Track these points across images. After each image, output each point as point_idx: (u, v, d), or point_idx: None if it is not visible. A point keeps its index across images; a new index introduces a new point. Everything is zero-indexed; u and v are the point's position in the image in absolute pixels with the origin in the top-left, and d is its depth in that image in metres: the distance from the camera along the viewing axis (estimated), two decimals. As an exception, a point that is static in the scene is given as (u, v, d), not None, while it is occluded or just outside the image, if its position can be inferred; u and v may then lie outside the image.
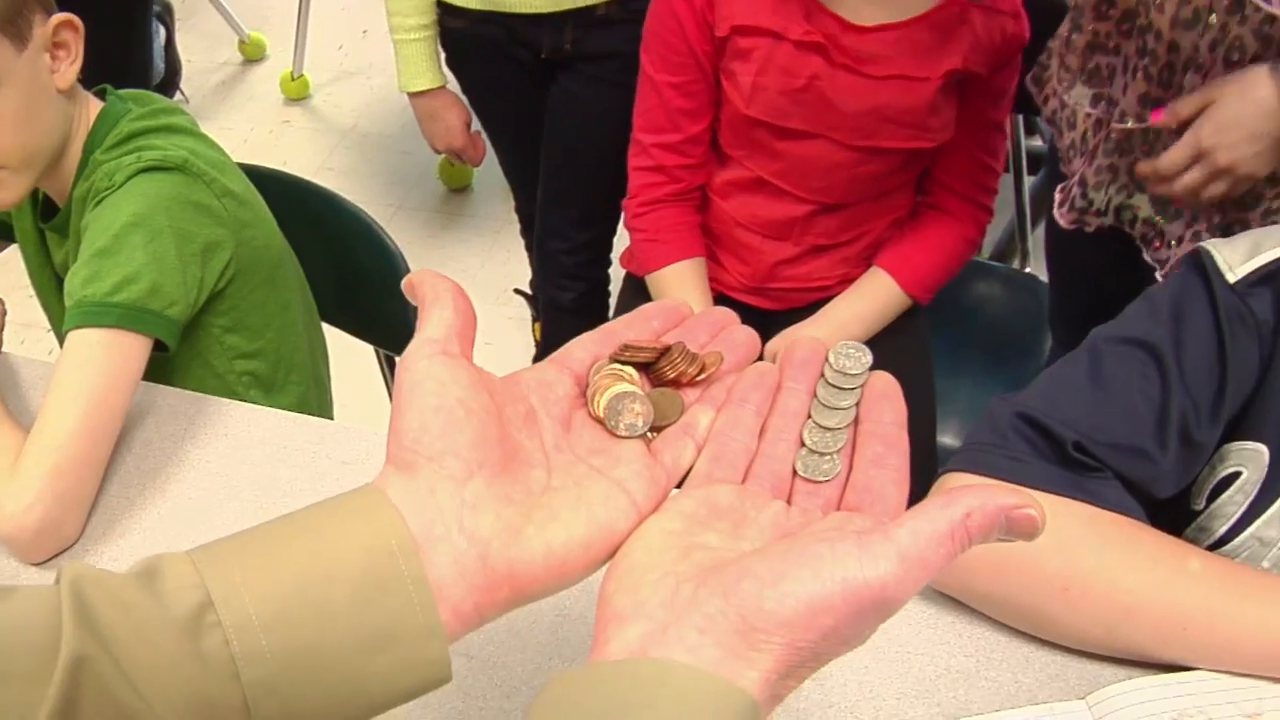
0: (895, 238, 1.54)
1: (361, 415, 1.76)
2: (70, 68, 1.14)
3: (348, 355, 1.62)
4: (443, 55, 1.89)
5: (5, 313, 1.25)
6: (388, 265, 1.45)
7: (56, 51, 1.13)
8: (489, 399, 0.50)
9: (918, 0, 1.35)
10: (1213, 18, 1.16)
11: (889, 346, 1.11)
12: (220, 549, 0.46)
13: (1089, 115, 1.36)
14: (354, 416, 1.68)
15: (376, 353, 1.61)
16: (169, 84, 3.03)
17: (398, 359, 1.57)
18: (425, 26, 1.81)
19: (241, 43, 3.57)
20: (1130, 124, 1.29)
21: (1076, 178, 1.41)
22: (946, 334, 1.74)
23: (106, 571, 0.46)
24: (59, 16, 1.12)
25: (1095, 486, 0.87)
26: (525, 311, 2.55)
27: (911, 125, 1.40)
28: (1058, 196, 1.45)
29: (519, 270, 2.25)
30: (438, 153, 2.02)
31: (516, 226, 2.32)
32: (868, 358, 0.53)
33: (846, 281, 1.54)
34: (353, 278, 1.51)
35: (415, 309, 0.53)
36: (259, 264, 1.27)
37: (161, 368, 1.14)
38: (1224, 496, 0.95)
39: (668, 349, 0.55)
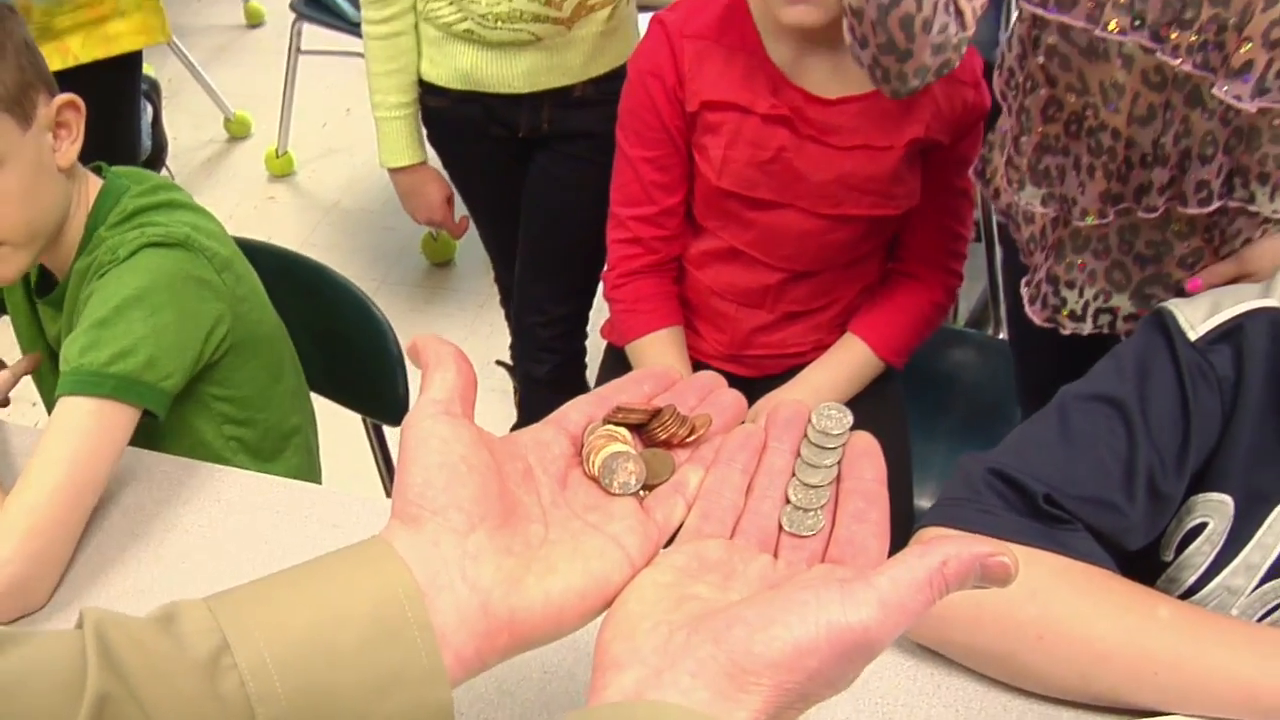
0: (867, 304, 1.57)
1: (349, 483, 1.78)
2: (72, 147, 1.18)
3: (335, 424, 1.64)
4: (424, 132, 1.93)
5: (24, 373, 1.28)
6: (376, 336, 1.48)
7: (59, 131, 1.16)
8: (489, 457, 0.53)
9: None
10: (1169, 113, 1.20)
11: (864, 410, 1.13)
12: (235, 596, 0.49)
13: (1044, 213, 1.38)
14: (342, 484, 1.70)
15: (364, 421, 1.63)
16: (155, 161, 3.07)
17: (387, 428, 1.60)
18: (406, 105, 1.86)
19: (227, 120, 3.62)
20: (1092, 220, 1.32)
21: (1043, 273, 1.42)
22: (923, 399, 1.78)
23: (127, 615, 0.48)
24: (62, 97, 1.16)
25: (1066, 538, 0.90)
26: (508, 383, 2.58)
27: (877, 193, 1.44)
28: (1025, 292, 1.45)
29: (502, 343, 2.28)
30: (420, 225, 2.06)
31: (499, 299, 2.36)
32: (849, 418, 0.56)
33: (821, 348, 1.58)
34: (341, 348, 1.54)
35: (404, 379, 0.56)
36: (253, 336, 1.30)
37: (148, 431, 1.16)
38: (1192, 547, 0.98)
39: (659, 411, 0.58)
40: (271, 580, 0.49)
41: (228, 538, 1.07)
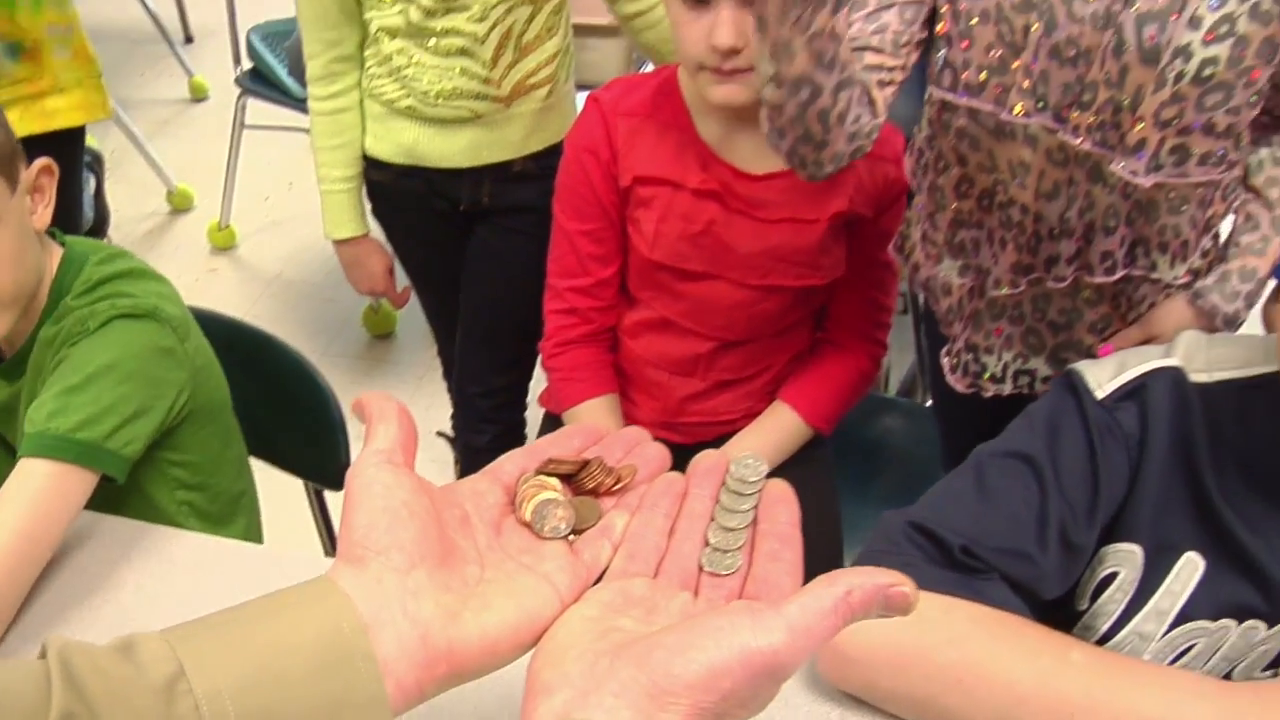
0: (796, 372, 1.62)
1: (289, 547, 1.79)
2: (46, 211, 1.21)
3: (274, 489, 1.65)
4: (367, 205, 1.97)
5: None
6: (319, 402, 1.51)
7: (34, 195, 1.20)
8: (429, 503, 0.57)
9: None
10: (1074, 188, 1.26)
11: (794, 476, 1.17)
12: (190, 628, 0.52)
13: (961, 284, 1.43)
14: (283, 548, 1.72)
15: (306, 486, 1.65)
16: (97, 231, 3.08)
17: (328, 492, 1.62)
18: (351, 179, 1.91)
19: (170, 193, 3.65)
20: (1005, 290, 1.38)
21: (962, 342, 1.48)
22: (854, 465, 1.83)
23: (89, 643, 0.51)
24: (40, 161, 1.20)
25: (982, 586, 0.94)
26: (448, 455, 2.60)
27: (803, 264, 1.50)
28: (946, 362, 1.51)
29: (443, 415, 2.31)
30: (362, 295, 2.09)
31: (439, 371, 2.38)
32: (764, 467, 0.61)
33: (752, 415, 1.62)
34: (285, 414, 1.57)
35: (346, 445, 0.60)
36: (209, 403, 1.33)
37: (102, 494, 1.18)
38: (1105, 595, 1.03)
39: (587, 463, 0.62)
40: (225, 614, 0.53)
41: (178, 598, 1.09)
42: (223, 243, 3.48)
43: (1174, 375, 1.03)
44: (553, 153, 1.76)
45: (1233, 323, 1.32)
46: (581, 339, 1.60)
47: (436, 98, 1.79)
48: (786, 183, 1.46)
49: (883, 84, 1.22)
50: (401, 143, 1.85)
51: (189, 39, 4.60)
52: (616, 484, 0.62)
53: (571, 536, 0.60)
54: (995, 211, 1.34)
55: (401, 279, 2.09)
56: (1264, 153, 1.32)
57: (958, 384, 1.49)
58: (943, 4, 1.23)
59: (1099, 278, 1.32)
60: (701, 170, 1.45)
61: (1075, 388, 1.04)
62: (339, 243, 1.96)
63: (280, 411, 1.56)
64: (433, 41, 1.76)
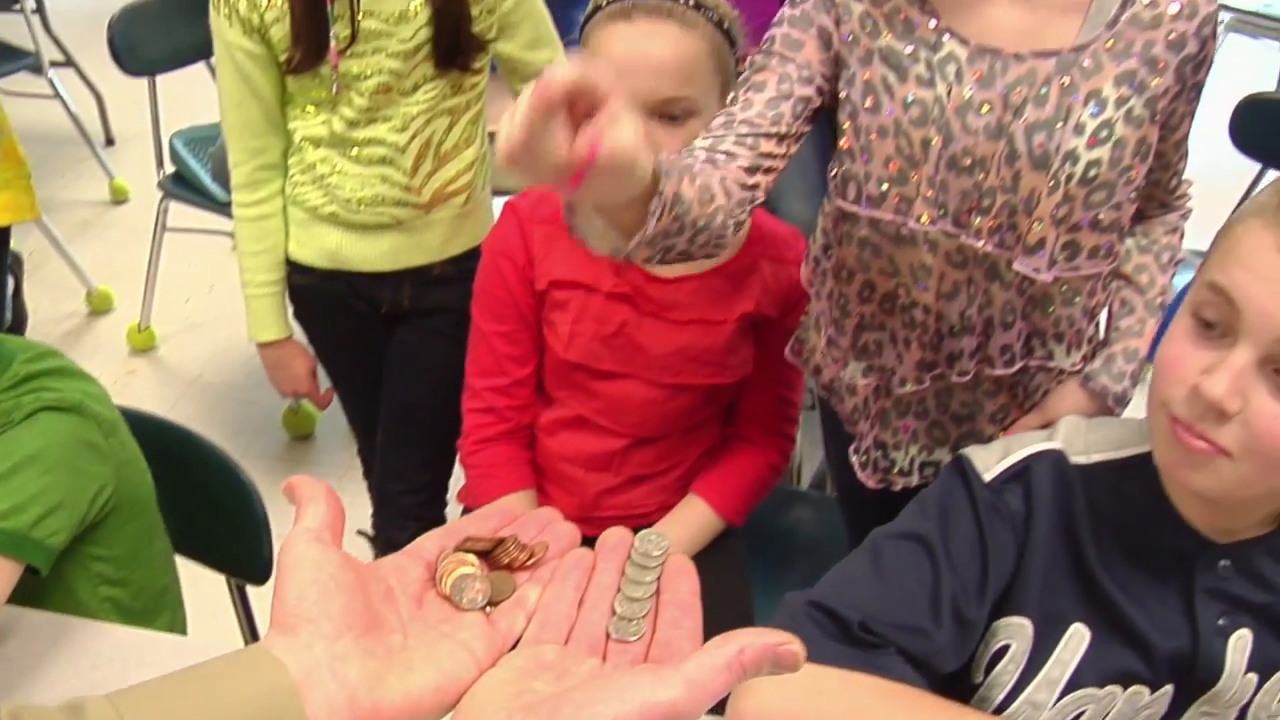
0: (708, 466, 1.68)
1: (212, 641, 1.80)
2: None
3: (197, 584, 1.67)
4: (290, 308, 2.01)
5: None
6: (242, 498, 1.54)
7: None
8: (355, 577, 0.62)
9: None
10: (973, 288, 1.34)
11: (708, 566, 1.22)
12: (134, 691, 0.56)
13: (866, 384, 1.49)
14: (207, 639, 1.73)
15: (228, 581, 1.67)
16: (14, 332, 3.08)
17: (251, 587, 1.64)
18: (274, 282, 1.94)
19: (89, 294, 3.64)
20: (910, 387, 1.44)
21: (870, 440, 1.53)
22: (766, 557, 1.89)
23: (40, 705, 0.55)
24: None
25: (880, 660, 1.00)
26: (369, 554, 2.61)
27: (713, 363, 1.56)
28: (855, 460, 1.55)
29: (363, 514, 2.33)
30: (285, 397, 2.12)
31: (359, 471, 2.40)
32: (666, 542, 0.66)
33: (666, 508, 1.67)
34: (208, 511, 1.59)
35: (269, 541, 0.65)
36: (133, 499, 1.35)
37: (23, 590, 1.20)
38: (999, 667, 1.09)
39: (502, 540, 0.68)
40: (168, 678, 0.57)
41: (95, 689, 1.11)
42: (142, 344, 3.48)
43: (1055, 457, 1.11)
44: (471, 256, 1.82)
45: (1122, 401, 1.40)
46: (499, 436, 1.65)
47: (359, 204, 1.85)
48: (695, 286, 1.54)
49: (769, 170, 1.27)
50: (325, 247, 1.91)
51: (110, 142, 4.63)
52: (530, 559, 0.67)
53: (488, 608, 0.65)
54: (898, 314, 1.40)
55: (324, 380, 2.13)
56: (1129, 242, 1.43)
57: (868, 480, 1.54)
58: (844, 120, 1.31)
59: (999, 370, 1.40)
60: (614, 275, 1.52)
61: (964, 471, 1.11)
62: (263, 345, 2.00)
63: (203, 507, 1.58)
64: (355, 151, 1.83)
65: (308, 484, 0.65)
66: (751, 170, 1.23)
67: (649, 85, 1.37)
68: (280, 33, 1.73)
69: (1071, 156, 1.23)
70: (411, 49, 1.76)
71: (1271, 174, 2.88)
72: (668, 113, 1.39)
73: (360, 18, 1.72)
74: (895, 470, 1.53)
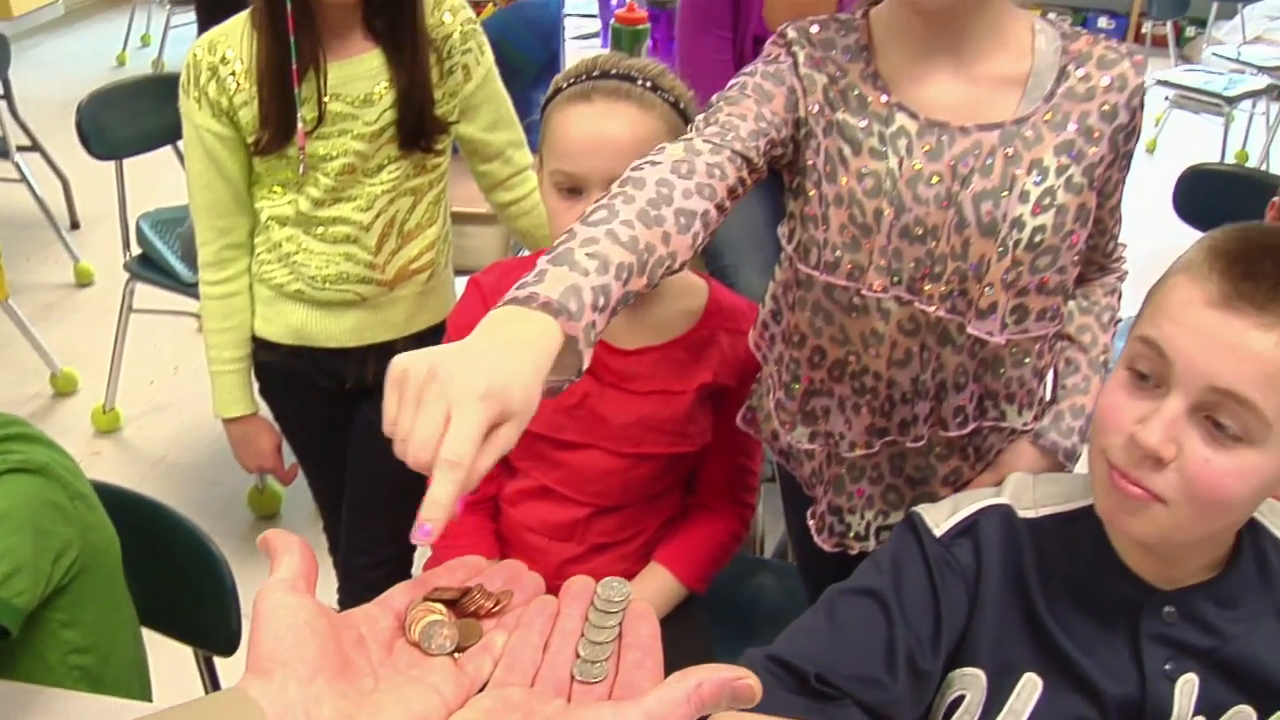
0: (669, 535, 1.70)
1: None
2: None
3: (164, 657, 1.67)
4: (255, 384, 2.03)
5: None
6: (211, 571, 1.55)
7: None
8: (328, 624, 0.64)
9: (672, 326, 1.58)
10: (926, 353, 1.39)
11: (671, 634, 1.23)
12: None
13: (812, 449, 1.53)
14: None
15: (195, 654, 1.67)
16: (-22, 418, 3.09)
17: (218, 659, 1.65)
18: (240, 359, 1.97)
19: (54, 376, 3.65)
20: (859, 451, 1.48)
21: (825, 505, 1.56)
22: (730, 624, 1.91)
23: None
24: None
25: (837, 712, 1.03)
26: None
27: (673, 433, 1.59)
28: (812, 524, 1.59)
29: (328, 591, 2.33)
30: (250, 473, 2.14)
31: (324, 548, 2.41)
32: (627, 588, 0.70)
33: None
34: (176, 583, 1.59)
35: (238, 613, 0.67)
36: (99, 564, 1.36)
37: (-8, 656, 1.21)
38: (954, 718, 1.12)
39: (469, 590, 0.71)
40: (151, 717, 0.60)
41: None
42: (107, 426, 3.49)
43: (1003, 512, 1.15)
44: (434, 332, 1.86)
45: (1072, 456, 1.44)
46: (464, 508, 1.66)
47: (324, 282, 1.89)
48: (655, 357, 1.57)
49: (735, 199, 1.24)
50: (290, 324, 1.94)
51: (75, 225, 4.67)
52: (496, 606, 0.70)
53: (456, 653, 0.68)
54: (847, 380, 1.44)
55: (289, 457, 2.14)
56: (1072, 305, 1.49)
57: (825, 544, 1.58)
58: (809, 187, 1.35)
59: (953, 432, 1.44)
60: None
61: (915, 528, 1.16)
62: (228, 421, 2.02)
63: (171, 578, 1.59)
64: (321, 229, 1.86)
65: (281, 536, 0.68)
66: (731, 193, 1.22)
67: (609, 164, 1.41)
68: (249, 115, 1.78)
69: (1018, 223, 1.29)
70: (376, 131, 1.81)
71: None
72: None
73: (327, 100, 1.77)
74: (851, 535, 1.56)
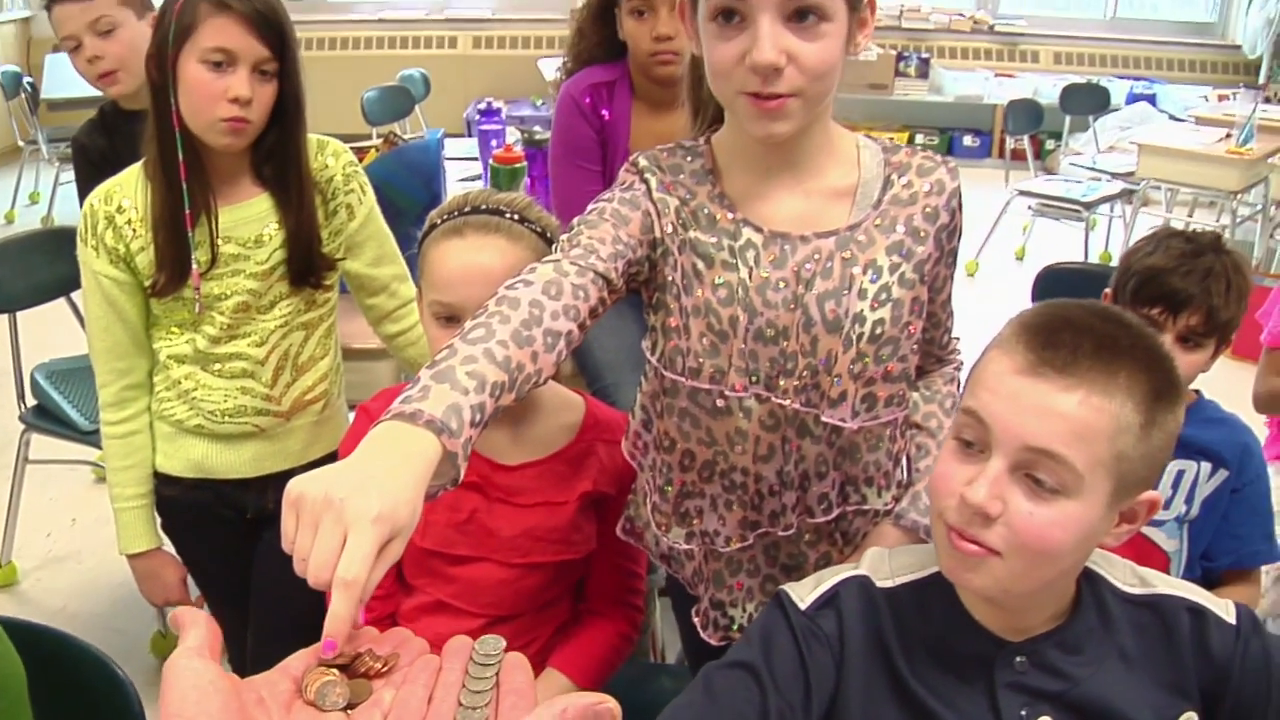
0: (562, 641, 1.76)
1: None
2: None
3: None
4: (158, 520, 2.07)
5: None
6: (120, 699, 1.57)
7: None
8: (230, 685, 0.73)
9: (552, 440, 1.68)
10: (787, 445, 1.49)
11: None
12: None
13: (690, 549, 1.61)
14: None
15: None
16: None
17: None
18: (143, 495, 2.01)
19: (-54, 536, 3.60)
20: (734, 546, 1.57)
21: (708, 601, 1.65)
22: (630, 728, 1.97)
23: None
24: None
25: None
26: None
27: (559, 541, 1.67)
28: (697, 620, 1.66)
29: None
30: (156, 606, 2.16)
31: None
32: (503, 643, 0.79)
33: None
34: (83, 713, 1.60)
35: None
36: (4, 693, 1.38)
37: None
38: None
39: (360, 654, 0.79)
40: None
41: None
42: (3, 580, 3.45)
43: (861, 582, 1.26)
44: (330, 459, 1.91)
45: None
46: (365, 626, 1.72)
47: (223, 416, 1.96)
48: (538, 471, 1.67)
49: (595, 317, 1.34)
50: (191, 458, 1.99)
51: (-35, 381, 4.63)
52: (384, 668, 0.79)
53: (348, 710, 0.77)
54: (717, 479, 1.54)
55: (194, 590, 2.18)
56: (916, 395, 1.62)
57: (711, 639, 1.65)
58: (671, 301, 1.46)
59: (819, 518, 1.55)
60: None
61: (782, 603, 1.26)
62: (133, 557, 2.05)
63: (77, 710, 1.60)
64: (218, 366, 1.94)
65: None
66: (593, 313, 1.32)
67: (482, 293, 1.49)
68: (145, 260, 1.86)
69: (859, 318, 1.42)
70: (268, 269, 1.91)
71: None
72: None
73: (220, 243, 1.87)
74: (735, 628, 1.64)
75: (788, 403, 1.46)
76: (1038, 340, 1.13)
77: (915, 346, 1.49)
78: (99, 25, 2.42)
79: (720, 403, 1.47)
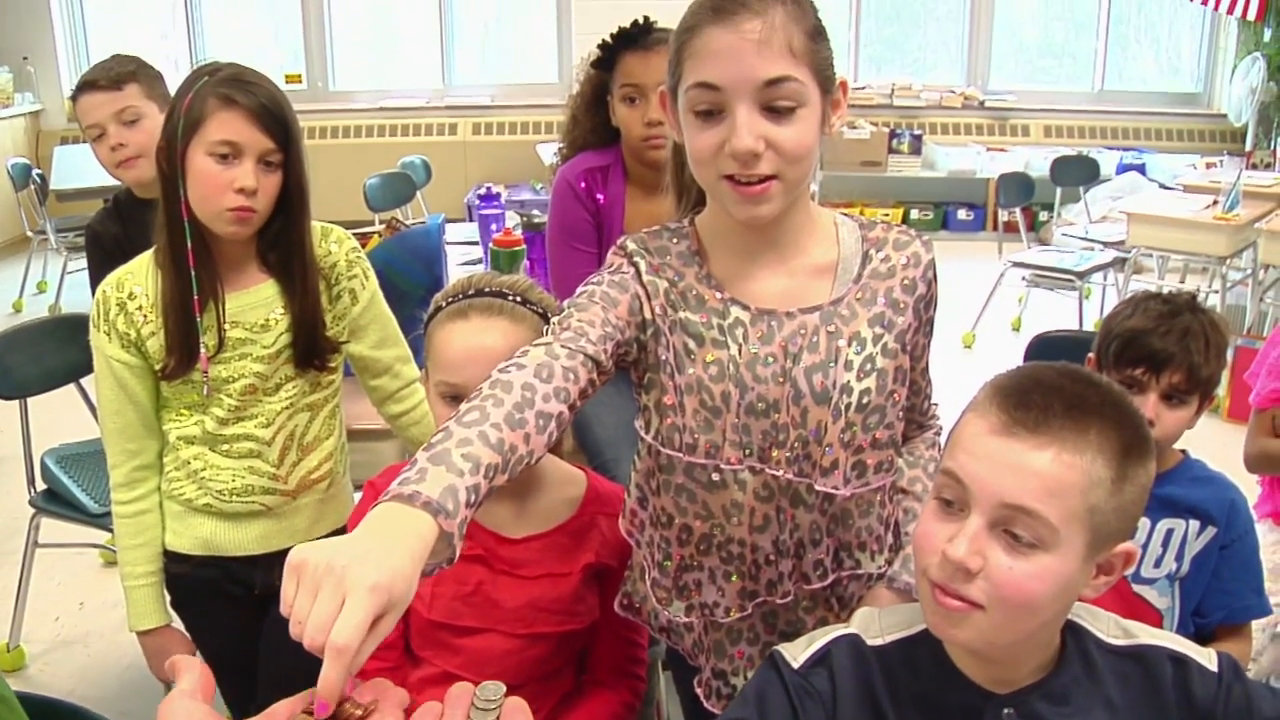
0: (565, 711, 1.78)
1: None
2: None
3: None
4: (168, 597, 2.11)
5: None
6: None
7: None
8: None
9: (555, 514, 1.73)
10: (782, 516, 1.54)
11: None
12: None
13: (689, 622, 1.64)
14: None
15: None
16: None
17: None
18: (153, 573, 2.06)
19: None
20: (734, 615, 1.61)
21: (709, 671, 1.68)
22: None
23: None
24: None
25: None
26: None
27: (563, 611, 1.71)
28: (700, 691, 1.70)
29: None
30: (165, 682, 2.19)
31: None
32: (503, 688, 0.83)
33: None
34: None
35: None
36: None
37: None
38: None
39: (342, 701, 0.84)
40: None
41: None
42: (11, 664, 3.46)
43: (851, 639, 1.31)
44: (336, 535, 1.97)
45: None
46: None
47: (231, 495, 2.01)
48: (541, 544, 1.71)
49: (586, 396, 1.39)
50: (200, 536, 2.04)
51: (-30, 469, 4.67)
52: (363, 715, 0.84)
53: None
54: (715, 552, 1.58)
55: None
56: (900, 462, 1.66)
57: (715, 708, 1.68)
58: (665, 379, 1.51)
59: (815, 585, 1.58)
60: (467, 539, 1.66)
61: (776, 663, 1.30)
62: (143, 634, 2.08)
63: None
64: (226, 446, 2.00)
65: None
66: (583, 394, 1.37)
67: (486, 373, 1.57)
68: (155, 345, 1.93)
69: (846, 389, 1.48)
70: (274, 353, 1.97)
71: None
72: None
73: (227, 328, 1.93)
74: (738, 694, 1.68)
75: (781, 473, 1.50)
76: (1010, 401, 1.18)
77: (900, 414, 1.55)
78: (125, 115, 2.54)
79: (716, 476, 1.51)
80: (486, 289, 1.68)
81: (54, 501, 3.28)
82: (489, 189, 4.45)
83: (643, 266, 1.52)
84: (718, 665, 1.67)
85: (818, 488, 1.51)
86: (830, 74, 1.43)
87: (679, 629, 1.68)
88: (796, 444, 1.49)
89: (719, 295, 1.51)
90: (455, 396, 1.63)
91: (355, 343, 2.12)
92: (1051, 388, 1.18)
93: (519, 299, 1.67)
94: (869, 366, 1.49)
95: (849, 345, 1.49)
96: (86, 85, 2.59)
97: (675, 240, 1.55)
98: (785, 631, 1.64)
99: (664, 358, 1.51)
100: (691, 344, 1.50)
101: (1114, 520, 1.17)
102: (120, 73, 2.58)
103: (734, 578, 1.59)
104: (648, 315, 1.50)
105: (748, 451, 1.50)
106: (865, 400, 1.49)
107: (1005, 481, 1.15)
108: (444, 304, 1.69)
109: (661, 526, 1.60)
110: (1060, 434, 1.15)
